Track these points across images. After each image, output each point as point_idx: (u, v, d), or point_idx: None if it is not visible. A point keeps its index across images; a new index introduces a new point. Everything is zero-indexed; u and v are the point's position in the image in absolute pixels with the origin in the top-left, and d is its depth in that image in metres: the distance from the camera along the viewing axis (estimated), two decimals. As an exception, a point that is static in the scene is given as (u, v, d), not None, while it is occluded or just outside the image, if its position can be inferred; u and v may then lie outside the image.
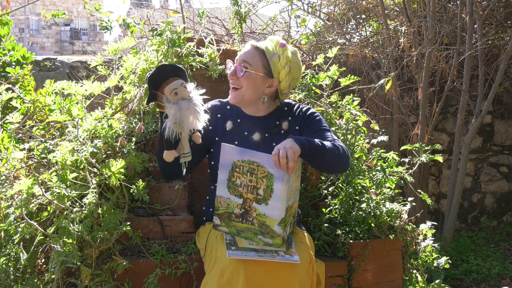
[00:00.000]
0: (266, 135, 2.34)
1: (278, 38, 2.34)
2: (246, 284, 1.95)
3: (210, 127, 2.27)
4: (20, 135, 2.65)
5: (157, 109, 2.14)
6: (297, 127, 2.35)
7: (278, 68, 2.29)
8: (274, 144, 2.24)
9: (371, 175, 2.76)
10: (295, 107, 2.40)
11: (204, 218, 2.43)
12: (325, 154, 2.10)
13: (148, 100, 2.13)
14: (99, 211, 2.27)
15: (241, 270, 1.96)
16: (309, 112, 2.37)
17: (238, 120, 2.37)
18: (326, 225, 2.67)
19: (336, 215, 2.71)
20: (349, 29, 5.51)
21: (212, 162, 2.37)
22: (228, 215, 2.09)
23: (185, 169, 2.25)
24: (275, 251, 2.03)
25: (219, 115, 2.38)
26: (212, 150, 2.38)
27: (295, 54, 2.34)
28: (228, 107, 2.41)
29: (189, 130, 2.12)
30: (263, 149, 2.22)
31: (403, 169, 2.81)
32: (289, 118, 2.37)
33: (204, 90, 2.15)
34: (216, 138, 2.36)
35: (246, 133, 2.35)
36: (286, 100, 2.44)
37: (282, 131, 2.35)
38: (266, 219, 2.04)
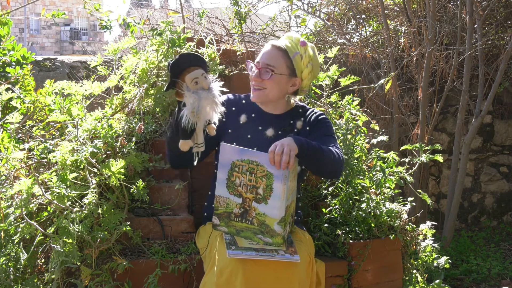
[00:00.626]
0: (280, 132, 2.35)
1: (297, 36, 2.35)
2: (244, 283, 1.95)
3: (224, 119, 2.24)
4: (20, 135, 2.65)
5: (176, 97, 2.10)
6: (307, 128, 2.37)
7: (301, 67, 2.32)
8: None
9: (371, 175, 2.76)
10: (310, 111, 2.43)
11: (206, 214, 2.43)
12: (321, 157, 2.12)
13: (167, 87, 2.10)
14: (99, 211, 2.27)
15: (240, 269, 1.96)
16: (321, 117, 2.40)
17: (253, 115, 2.39)
18: (326, 225, 2.67)
19: (336, 215, 2.71)
20: (349, 29, 5.51)
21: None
22: (228, 215, 2.09)
23: (196, 159, 2.20)
24: (275, 250, 2.03)
25: (233, 108, 2.39)
26: (222, 142, 2.39)
27: (314, 52, 2.37)
28: (244, 101, 2.43)
29: (205, 121, 2.09)
30: None
31: (403, 169, 2.81)
32: (302, 119, 2.40)
33: (223, 82, 2.12)
34: (229, 131, 2.36)
35: (260, 127, 2.36)
36: (301, 103, 2.48)
37: (296, 130, 2.37)
38: (265, 218, 2.04)
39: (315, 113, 2.41)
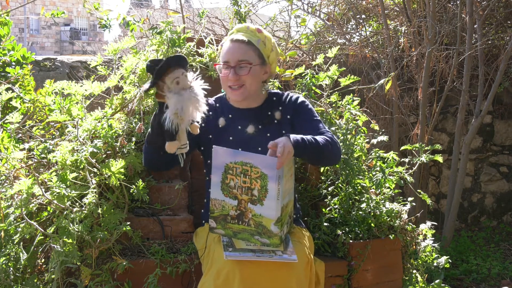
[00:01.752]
0: (260, 126, 2.34)
1: (249, 25, 2.35)
2: (242, 284, 1.95)
3: (203, 125, 2.19)
4: (20, 135, 2.65)
5: (156, 99, 2.05)
6: (288, 116, 2.35)
7: (267, 52, 2.33)
8: (268, 134, 2.26)
9: (371, 175, 2.76)
10: (284, 96, 2.41)
11: (204, 221, 2.42)
12: (318, 152, 2.12)
13: (148, 87, 2.03)
14: (99, 211, 2.26)
15: (237, 270, 1.96)
16: (299, 101, 2.37)
17: (230, 116, 2.37)
18: (326, 225, 2.67)
19: (336, 215, 2.71)
20: (349, 29, 5.51)
21: (208, 161, 2.34)
22: (224, 217, 2.08)
23: (182, 161, 2.17)
24: (273, 251, 2.03)
25: (210, 113, 2.33)
26: (203, 148, 2.38)
27: (268, 34, 2.38)
28: (217, 104, 2.41)
29: (188, 121, 2.06)
30: (258, 141, 2.23)
31: (403, 169, 2.81)
32: (280, 108, 2.38)
33: (203, 81, 2.08)
34: (210, 136, 2.35)
35: (239, 127, 2.34)
36: (273, 90, 2.46)
37: (275, 121, 2.35)
38: (262, 220, 2.03)
39: (291, 97, 2.39)
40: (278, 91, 2.47)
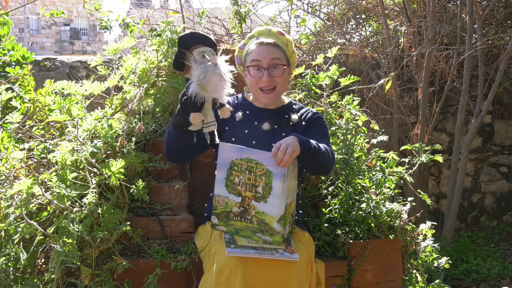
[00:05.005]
0: (276, 126, 2.36)
1: (271, 28, 2.37)
2: (243, 282, 1.95)
3: (221, 117, 2.19)
4: (20, 135, 2.65)
5: (184, 75, 2.06)
6: (303, 123, 2.38)
7: (289, 54, 2.36)
8: (283, 134, 2.27)
9: (371, 175, 2.76)
10: (306, 108, 2.46)
11: (206, 214, 2.43)
12: (319, 157, 2.14)
13: (174, 59, 2.04)
14: (99, 211, 2.26)
15: (239, 268, 1.96)
16: (318, 115, 2.43)
17: (247, 112, 2.40)
18: (326, 225, 2.67)
19: (336, 215, 2.71)
20: (349, 29, 5.51)
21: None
22: (227, 214, 2.09)
23: (209, 139, 2.15)
24: (274, 249, 2.04)
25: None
26: (221, 142, 2.38)
27: (289, 36, 2.41)
28: (236, 101, 2.44)
29: (214, 99, 2.04)
30: (273, 138, 2.24)
31: (403, 169, 2.81)
32: (298, 114, 2.41)
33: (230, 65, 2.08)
34: (226, 128, 2.36)
35: (256, 122, 2.36)
36: (296, 101, 2.51)
37: (291, 123, 2.38)
38: (265, 217, 2.04)
39: (311, 111, 2.43)
40: (299, 103, 2.51)
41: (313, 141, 2.13)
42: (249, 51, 2.33)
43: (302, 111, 2.43)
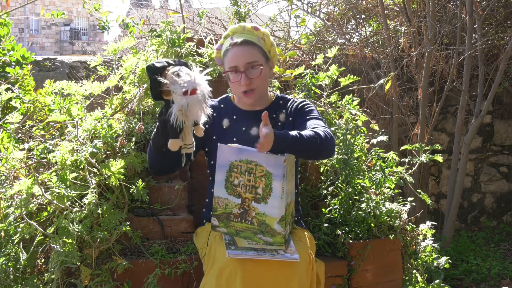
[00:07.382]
0: None
1: (245, 25, 2.32)
2: (244, 283, 1.95)
3: (207, 126, 2.18)
4: (20, 135, 2.65)
5: (164, 97, 1.99)
6: (290, 119, 2.35)
7: (268, 48, 2.33)
8: None
9: (370, 175, 2.76)
10: (290, 101, 2.40)
11: (204, 221, 2.42)
12: (305, 145, 2.05)
13: (153, 90, 1.98)
14: (99, 211, 2.27)
15: (239, 269, 1.96)
16: (302, 103, 2.37)
17: (234, 117, 2.36)
18: (326, 225, 2.67)
19: (336, 215, 2.71)
20: (349, 29, 5.51)
21: (212, 162, 2.34)
22: (227, 216, 2.08)
23: (184, 161, 2.14)
24: (275, 250, 2.03)
25: (214, 114, 2.34)
26: (207, 149, 2.37)
27: (265, 30, 2.37)
28: (222, 105, 2.41)
29: (193, 121, 2.01)
30: None
31: (403, 169, 2.81)
32: (284, 111, 2.37)
33: (207, 81, 2.02)
34: (214, 137, 2.34)
35: (244, 128, 2.33)
36: (281, 94, 2.46)
37: (279, 123, 2.35)
38: (265, 218, 2.04)
39: (295, 101, 2.38)
40: (286, 95, 2.46)
41: (293, 133, 2.04)
42: (226, 53, 2.30)
43: (288, 105, 2.37)
